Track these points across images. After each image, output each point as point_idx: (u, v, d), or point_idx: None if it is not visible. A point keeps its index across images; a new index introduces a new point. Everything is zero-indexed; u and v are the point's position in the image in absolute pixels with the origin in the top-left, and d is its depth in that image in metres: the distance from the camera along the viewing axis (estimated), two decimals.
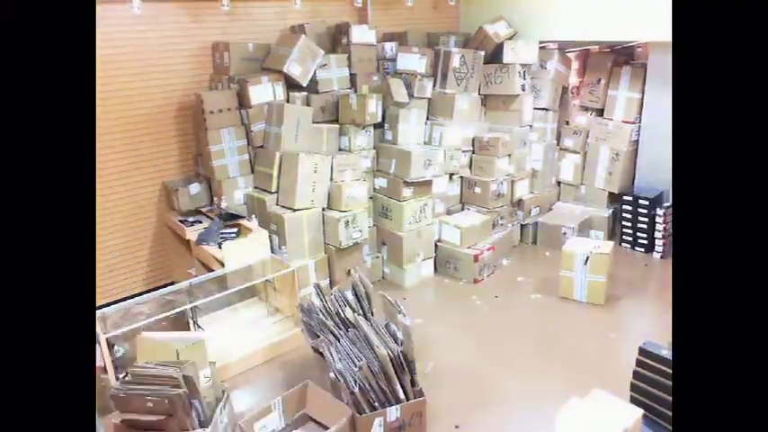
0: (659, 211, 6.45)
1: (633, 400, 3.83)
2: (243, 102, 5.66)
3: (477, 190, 6.57)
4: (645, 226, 6.68)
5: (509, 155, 6.64)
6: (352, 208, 5.64)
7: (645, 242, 6.72)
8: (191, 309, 4.74)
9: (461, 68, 6.66)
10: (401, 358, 3.56)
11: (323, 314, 4.09)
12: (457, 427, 3.92)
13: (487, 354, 4.82)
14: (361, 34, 6.33)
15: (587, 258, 5.44)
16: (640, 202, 6.66)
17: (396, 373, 3.55)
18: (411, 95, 6.56)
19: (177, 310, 4.51)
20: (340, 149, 6.11)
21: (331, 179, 5.67)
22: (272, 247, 5.33)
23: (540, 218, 7.09)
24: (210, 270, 5.15)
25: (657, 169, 6.65)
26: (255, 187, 5.82)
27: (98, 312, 4.35)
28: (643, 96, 6.85)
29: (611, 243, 5.77)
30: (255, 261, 5.10)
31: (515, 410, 4.12)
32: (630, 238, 6.86)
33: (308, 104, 5.99)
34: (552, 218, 7.08)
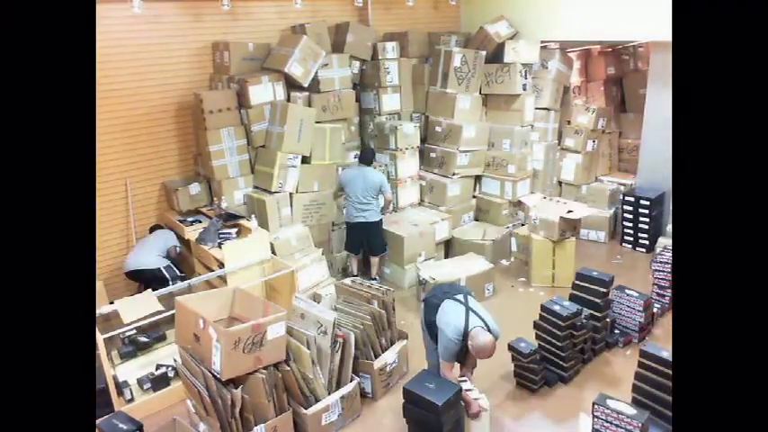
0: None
1: (635, 401, 3.83)
2: (243, 102, 5.65)
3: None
4: (646, 227, 6.67)
5: None
6: None
7: (646, 242, 6.70)
8: None
9: (462, 68, 6.65)
10: None
11: None
12: None
13: None
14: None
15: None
16: (641, 202, 6.65)
17: None
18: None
19: None
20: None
21: None
22: None
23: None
24: (211, 270, 5.15)
25: (659, 169, 6.63)
26: (255, 187, 5.82)
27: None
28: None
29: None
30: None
31: None
32: (631, 239, 6.85)
33: (309, 104, 5.99)
34: None
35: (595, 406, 3.56)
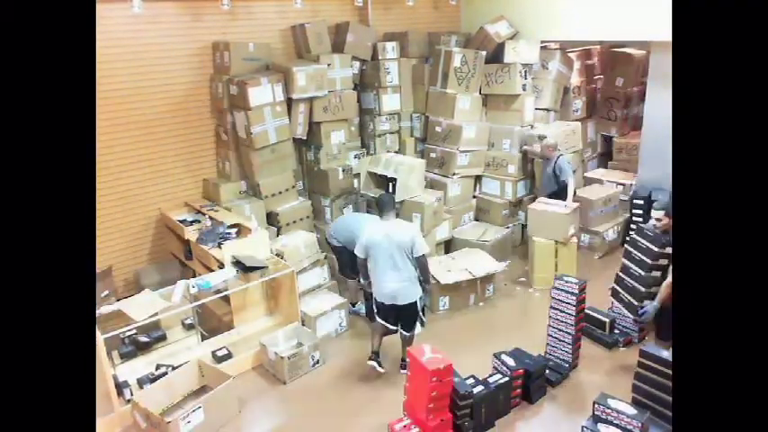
0: None
1: (635, 401, 3.83)
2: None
3: None
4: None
5: None
6: None
7: None
8: None
9: (462, 68, 6.65)
10: None
11: None
12: None
13: None
14: None
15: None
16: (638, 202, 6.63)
17: None
18: None
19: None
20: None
21: None
22: None
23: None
24: (211, 270, 5.15)
25: (659, 169, 6.61)
26: None
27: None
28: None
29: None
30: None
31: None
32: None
33: (311, 106, 6.04)
34: None
35: (596, 405, 3.56)
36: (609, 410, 3.49)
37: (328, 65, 6.05)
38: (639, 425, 3.39)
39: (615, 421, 3.47)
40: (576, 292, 4.38)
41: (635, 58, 7.46)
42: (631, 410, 3.47)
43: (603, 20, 6.26)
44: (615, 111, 8.08)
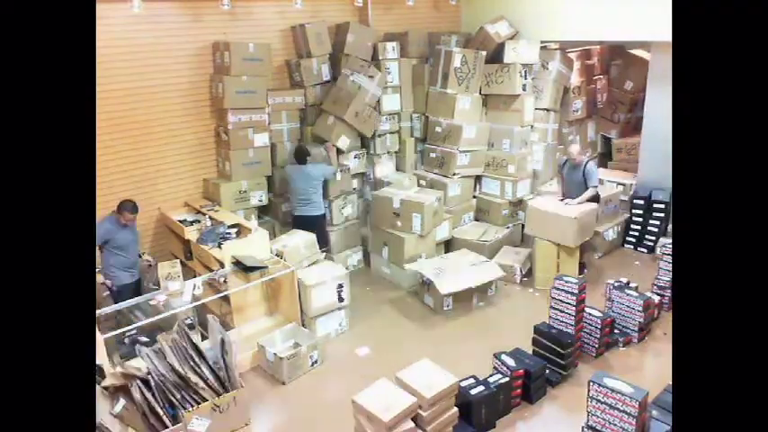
0: None
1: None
2: None
3: None
4: (656, 229, 6.64)
5: None
6: None
7: (650, 244, 6.69)
8: None
9: (462, 68, 6.65)
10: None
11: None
12: None
13: None
14: None
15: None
16: (655, 206, 6.61)
17: None
18: None
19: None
20: None
21: None
22: None
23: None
24: (210, 270, 5.15)
25: (658, 169, 6.61)
26: None
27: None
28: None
29: None
30: None
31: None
32: (634, 240, 6.83)
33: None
34: None
35: (591, 384, 3.44)
36: (605, 390, 3.37)
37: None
38: (637, 404, 3.29)
39: (610, 401, 3.37)
40: (576, 292, 4.39)
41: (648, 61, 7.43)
42: (628, 389, 3.33)
43: (603, 20, 6.26)
44: (619, 114, 8.10)
